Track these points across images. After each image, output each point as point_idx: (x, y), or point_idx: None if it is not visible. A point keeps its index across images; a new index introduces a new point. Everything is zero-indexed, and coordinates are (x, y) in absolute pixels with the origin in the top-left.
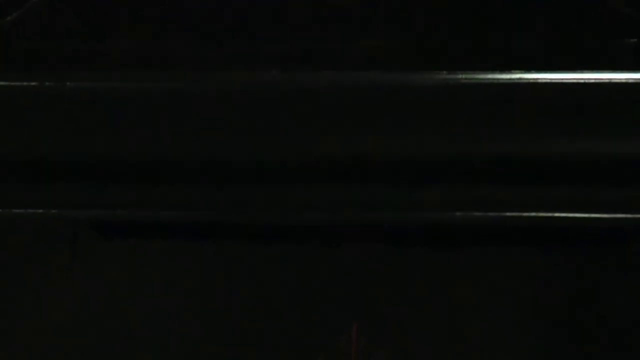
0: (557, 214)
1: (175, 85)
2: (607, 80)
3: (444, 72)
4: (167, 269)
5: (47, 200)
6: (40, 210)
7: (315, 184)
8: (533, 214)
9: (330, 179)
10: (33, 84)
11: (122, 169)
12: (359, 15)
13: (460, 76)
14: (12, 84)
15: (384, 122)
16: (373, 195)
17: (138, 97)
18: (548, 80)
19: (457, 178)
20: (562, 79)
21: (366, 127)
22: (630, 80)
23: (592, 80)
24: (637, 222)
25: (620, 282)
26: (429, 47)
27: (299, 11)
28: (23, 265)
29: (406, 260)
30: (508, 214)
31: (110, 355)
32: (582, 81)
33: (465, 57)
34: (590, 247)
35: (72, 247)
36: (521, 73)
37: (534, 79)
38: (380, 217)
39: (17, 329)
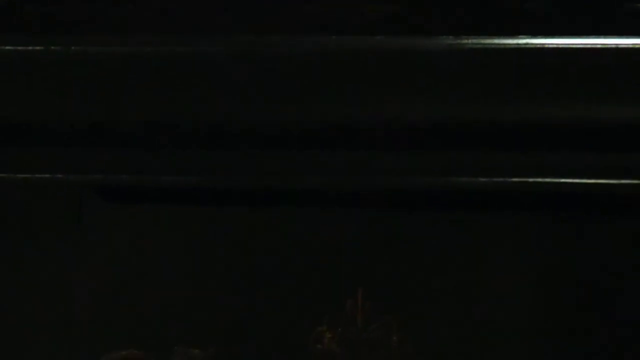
0: (563, 180)
1: (180, 49)
2: (615, 46)
3: (450, 37)
4: (173, 233)
5: (52, 165)
6: (47, 175)
7: (320, 149)
8: (539, 179)
9: (336, 144)
10: (38, 48)
11: (128, 134)
12: None
13: (466, 41)
14: (18, 48)
15: (390, 87)
16: (380, 160)
17: (143, 61)
18: (555, 46)
19: (462, 144)
20: (570, 44)
21: (371, 92)
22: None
23: (600, 46)
24: None
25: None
26: (434, 12)
27: None
28: (29, 230)
29: (412, 226)
30: (515, 179)
31: (115, 318)
32: (590, 46)
33: (472, 22)
34: (597, 213)
35: (78, 211)
36: (528, 38)
37: (541, 44)
38: (387, 183)
39: (23, 294)
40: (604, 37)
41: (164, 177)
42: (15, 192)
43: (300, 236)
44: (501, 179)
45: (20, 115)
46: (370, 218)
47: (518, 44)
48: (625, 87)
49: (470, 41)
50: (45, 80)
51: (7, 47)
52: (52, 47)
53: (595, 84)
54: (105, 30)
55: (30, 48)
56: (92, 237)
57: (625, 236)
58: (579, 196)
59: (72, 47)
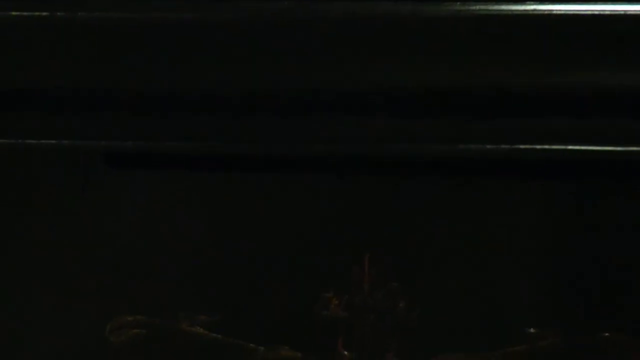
0: (569, 147)
1: (186, 16)
2: (623, 13)
3: (457, 3)
4: (179, 199)
5: (59, 132)
6: (53, 141)
7: (327, 114)
8: (546, 146)
9: (343, 110)
10: (44, 14)
11: (133, 99)
12: None
13: (473, 7)
14: (23, 14)
15: (395, 54)
16: (385, 127)
17: (150, 27)
18: (563, 12)
19: (469, 111)
20: (578, 10)
21: (376, 59)
22: None
23: (608, 13)
24: None
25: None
26: None
27: None
28: (34, 196)
29: (419, 192)
30: (522, 146)
31: (120, 285)
32: (598, 13)
33: None
34: (604, 180)
35: (85, 178)
36: (535, 4)
37: (548, 10)
38: (394, 149)
39: (28, 261)
40: (613, 4)
41: (170, 143)
42: (21, 158)
43: (306, 202)
44: (508, 146)
45: (26, 81)
46: (377, 184)
47: (526, 10)
48: (636, 53)
49: (478, 7)
50: (50, 46)
51: (12, 13)
52: (58, 13)
53: (604, 51)
54: None
55: (35, 14)
56: (97, 204)
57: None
58: (586, 163)
59: (78, 13)
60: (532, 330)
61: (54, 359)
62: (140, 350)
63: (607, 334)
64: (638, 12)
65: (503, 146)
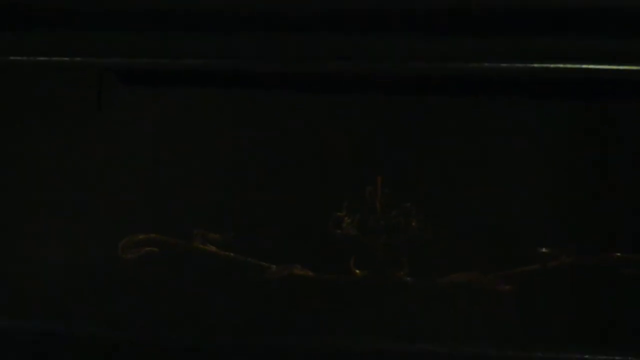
0: (584, 66)
1: None
2: None
3: None
4: (193, 118)
5: (71, 48)
6: (66, 59)
7: (342, 34)
8: (560, 65)
9: (359, 30)
10: None
11: (147, 16)
12: None
13: None
14: None
15: None
16: (400, 46)
17: None
18: None
19: (483, 30)
20: None
21: None
22: None
23: None
24: None
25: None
26: None
27: None
28: (48, 114)
29: (433, 114)
30: (535, 65)
31: (134, 203)
32: None
33: None
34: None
35: (98, 94)
36: None
37: None
38: (408, 69)
39: (42, 179)
40: None
41: (184, 60)
42: (35, 75)
43: (321, 123)
44: (522, 65)
45: None
46: (390, 106)
47: None
48: None
49: None
50: None
51: None
52: None
53: None
54: None
55: None
56: (111, 121)
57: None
58: (601, 83)
59: None
60: (544, 250)
61: (68, 275)
62: (152, 268)
63: (618, 254)
64: None
65: (517, 65)
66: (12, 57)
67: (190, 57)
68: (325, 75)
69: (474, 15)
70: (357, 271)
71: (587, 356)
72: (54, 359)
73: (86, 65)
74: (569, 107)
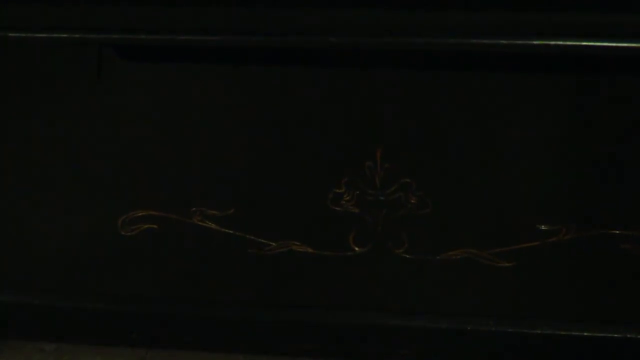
0: (585, 42)
1: None
2: None
3: None
4: (192, 93)
5: (71, 24)
6: (64, 35)
7: (343, 8)
8: (560, 42)
9: (358, 4)
10: None
11: None
12: None
13: None
14: None
15: None
16: (397, 20)
17: None
18: None
19: (482, 5)
20: None
21: None
22: None
23: None
24: None
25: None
26: None
27: None
28: (50, 88)
29: (431, 89)
30: (535, 42)
31: (134, 179)
32: None
33: None
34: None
35: (97, 70)
36: None
37: None
38: (406, 43)
39: (42, 153)
40: None
41: (181, 35)
42: (36, 51)
43: (318, 97)
44: (521, 41)
45: None
46: (388, 79)
47: None
48: None
49: None
50: None
51: None
52: None
53: None
54: None
55: None
56: (111, 97)
57: None
58: (600, 59)
59: None
60: (542, 227)
61: (68, 251)
62: (152, 244)
63: (617, 231)
64: None
65: (518, 41)
66: (11, 34)
67: (187, 33)
68: (321, 49)
69: None
70: (357, 248)
71: (586, 332)
72: (57, 333)
73: (85, 41)
74: (568, 85)
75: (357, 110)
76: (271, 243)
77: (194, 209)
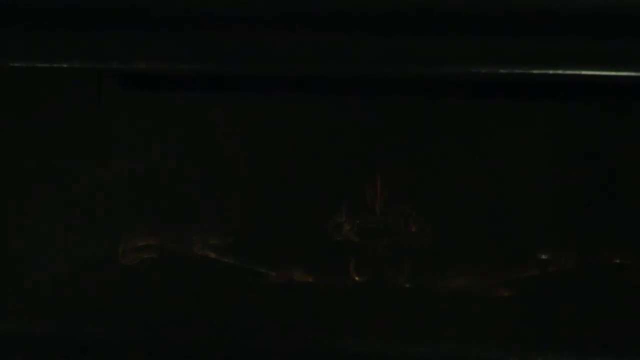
0: (583, 72)
1: None
2: None
3: None
4: (192, 122)
5: (71, 53)
6: (64, 65)
7: (339, 34)
8: (559, 71)
9: (355, 30)
10: None
11: (144, 20)
12: None
13: None
14: None
15: None
16: (398, 47)
17: None
18: None
19: (482, 32)
20: None
21: None
22: None
23: None
24: None
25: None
26: None
27: None
28: (49, 116)
29: (432, 115)
30: (534, 71)
31: (133, 207)
32: None
33: None
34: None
35: (97, 99)
36: None
37: None
38: (408, 70)
39: (42, 182)
40: None
41: (183, 64)
42: (35, 80)
43: (318, 123)
44: (521, 71)
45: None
46: (389, 107)
47: None
48: None
49: None
50: None
51: None
52: None
53: None
54: None
55: None
56: (110, 125)
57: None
58: (597, 87)
59: None
60: (543, 256)
61: (66, 281)
62: (151, 274)
63: (618, 261)
64: None
65: (517, 71)
66: (10, 64)
67: (188, 61)
68: (320, 76)
69: (472, 17)
70: (357, 277)
71: None
72: None
73: (85, 70)
74: (568, 110)
75: (357, 138)
76: (271, 272)
77: (194, 237)
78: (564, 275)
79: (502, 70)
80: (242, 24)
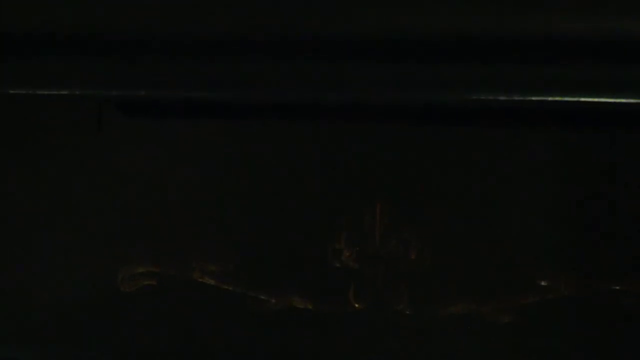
0: (582, 99)
1: None
2: None
3: None
4: (191, 148)
5: (71, 80)
6: (65, 92)
7: (340, 62)
8: (557, 98)
9: (357, 58)
10: None
11: (146, 47)
12: None
13: None
14: None
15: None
16: (398, 75)
17: None
18: None
19: (481, 58)
20: None
21: (382, 4)
22: None
23: None
24: None
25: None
26: None
27: None
28: (50, 144)
29: (430, 141)
30: (533, 98)
31: (133, 234)
32: None
33: None
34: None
35: (97, 126)
36: None
37: None
38: (407, 97)
39: (42, 209)
40: None
41: (182, 91)
42: (36, 108)
43: (317, 153)
44: (520, 97)
45: (39, 28)
46: (388, 134)
47: None
48: None
49: None
50: None
51: None
52: None
53: None
54: None
55: None
56: (111, 153)
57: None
58: (596, 113)
59: None
60: (543, 282)
61: (66, 308)
62: (151, 300)
63: (617, 287)
64: None
65: (515, 97)
66: (11, 91)
67: (187, 89)
68: (319, 103)
69: (475, 44)
70: (356, 303)
71: None
72: None
73: (86, 97)
74: (568, 137)
75: (356, 165)
76: (271, 299)
77: (193, 264)
78: (563, 302)
79: (501, 97)
80: (242, 53)
